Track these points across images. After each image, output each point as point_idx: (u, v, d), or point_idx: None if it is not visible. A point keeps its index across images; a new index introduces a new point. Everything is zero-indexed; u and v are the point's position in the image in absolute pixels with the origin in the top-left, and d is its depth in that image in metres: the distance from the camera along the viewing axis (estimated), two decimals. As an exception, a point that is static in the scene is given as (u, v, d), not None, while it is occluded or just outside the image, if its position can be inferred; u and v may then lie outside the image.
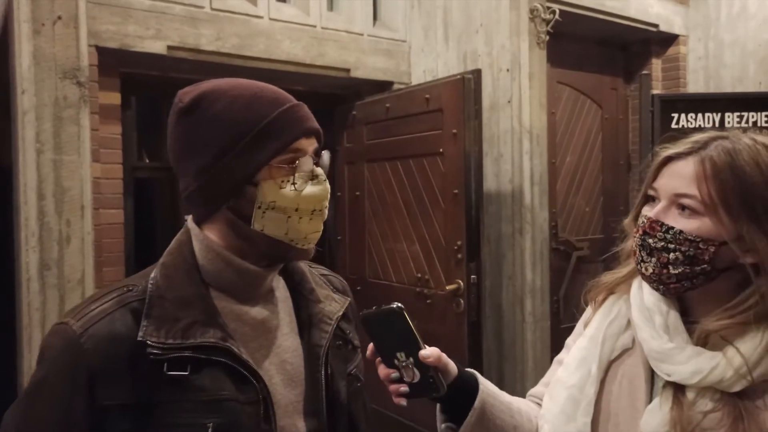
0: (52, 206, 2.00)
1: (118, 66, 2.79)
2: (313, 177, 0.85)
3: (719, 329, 0.77)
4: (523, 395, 1.06)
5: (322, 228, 0.89)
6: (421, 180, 3.02)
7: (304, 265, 1.00)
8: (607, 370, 0.88)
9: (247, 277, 0.87)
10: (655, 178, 0.84)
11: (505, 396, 0.97)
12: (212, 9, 2.88)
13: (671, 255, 0.79)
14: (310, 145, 0.86)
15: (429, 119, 2.94)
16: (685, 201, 0.79)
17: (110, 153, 2.70)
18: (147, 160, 3.46)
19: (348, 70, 3.30)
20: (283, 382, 0.88)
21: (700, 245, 0.77)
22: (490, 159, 3.02)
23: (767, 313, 0.75)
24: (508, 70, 2.93)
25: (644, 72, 2.90)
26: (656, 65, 4.24)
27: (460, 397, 0.90)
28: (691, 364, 0.77)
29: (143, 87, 3.20)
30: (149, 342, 0.78)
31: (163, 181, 3.48)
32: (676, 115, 2.74)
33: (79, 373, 0.77)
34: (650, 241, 0.81)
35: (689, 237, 0.78)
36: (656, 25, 3.93)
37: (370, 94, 3.44)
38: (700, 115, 2.76)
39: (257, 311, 0.88)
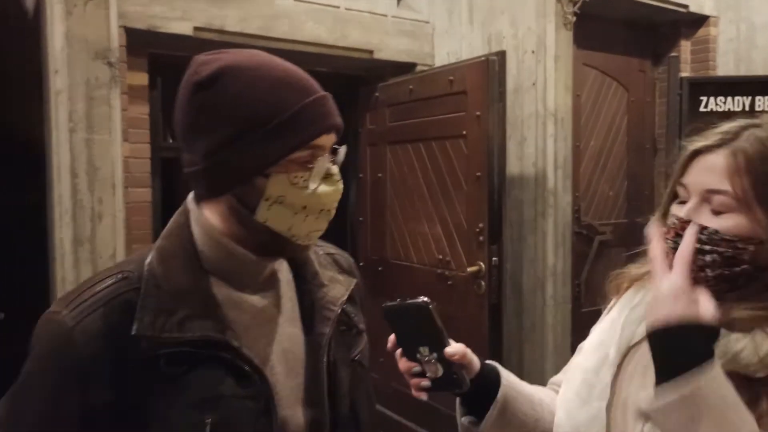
0: (85, 184, 2.06)
1: (145, 47, 2.83)
2: (327, 176, 0.80)
3: (750, 319, 0.74)
4: (542, 378, 1.05)
5: (326, 226, 0.84)
6: (443, 162, 3.02)
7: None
8: (625, 355, 0.86)
9: (247, 265, 0.83)
10: (683, 173, 0.79)
11: (526, 387, 0.96)
12: (238, -10, 2.89)
13: (707, 257, 0.73)
14: (329, 141, 0.81)
15: (452, 101, 2.94)
16: (719, 198, 0.73)
17: (138, 133, 2.76)
18: (172, 141, 3.52)
19: (371, 52, 3.30)
20: (284, 371, 0.84)
21: (738, 245, 0.72)
22: (514, 142, 3.01)
23: None
24: (533, 52, 2.90)
25: (673, 54, 2.84)
26: (685, 47, 4.14)
27: (482, 389, 0.89)
28: (720, 344, 0.72)
29: (171, 68, 3.23)
30: (144, 336, 0.73)
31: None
32: (704, 99, 2.68)
33: (70, 368, 0.72)
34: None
35: (726, 237, 0.72)
36: (686, 6, 3.84)
37: (393, 75, 3.44)
38: (729, 99, 2.70)
39: (257, 299, 0.84)
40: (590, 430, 0.86)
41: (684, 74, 3.93)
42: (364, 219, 3.61)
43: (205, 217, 0.81)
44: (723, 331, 0.75)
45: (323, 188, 0.80)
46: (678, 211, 0.78)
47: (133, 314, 0.74)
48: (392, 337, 0.87)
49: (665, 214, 0.82)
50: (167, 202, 3.32)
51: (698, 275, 0.74)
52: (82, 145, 2.04)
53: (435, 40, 3.49)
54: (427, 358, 0.84)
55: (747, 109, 2.68)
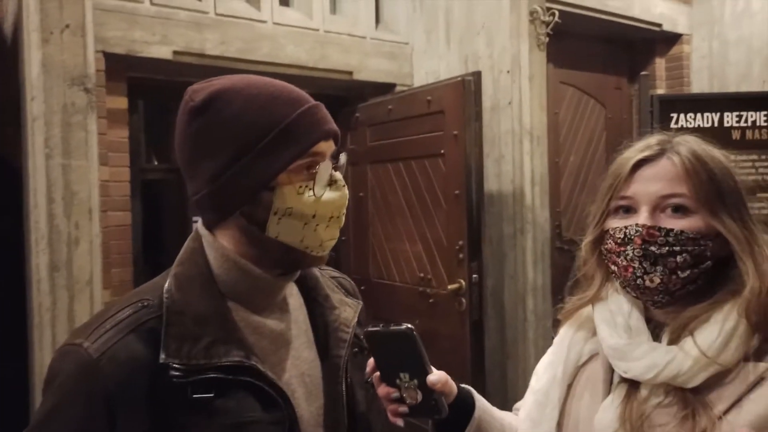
0: (61, 209, 2.06)
1: (125, 71, 2.84)
2: (332, 182, 0.81)
3: (686, 321, 0.77)
4: (524, 393, 1.08)
5: (338, 235, 0.85)
6: (423, 181, 3.06)
7: (316, 270, 0.95)
8: (575, 375, 0.88)
9: (263, 286, 0.83)
10: (624, 186, 0.81)
11: (496, 412, 0.97)
12: (216, 14, 2.93)
13: (678, 258, 0.76)
14: (329, 148, 0.82)
15: (430, 121, 2.98)
16: (676, 201, 0.77)
17: (118, 156, 2.76)
18: (156, 162, 3.53)
19: (351, 73, 3.34)
20: (304, 395, 0.85)
21: (701, 242, 0.76)
22: (492, 160, 3.05)
23: (745, 300, 0.74)
24: (508, 72, 2.96)
25: (643, 72, 2.91)
26: (660, 64, 4.24)
27: (456, 415, 0.89)
28: (647, 359, 0.76)
29: (150, 91, 3.26)
30: (172, 365, 0.73)
31: (172, 183, 3.54)
32: (675, 115, 2.75)
33: (96, 400, 0.71)
34: (653, 248, 0.76)
35: (691, 235, 0.76)
36: (659, 25, 3.94)
37: (374, 96, 3.48)
38: (699, 115, 2.77)
39: (274, 323, 0.84)
40: None
41: (660, 91, 4.03)
42: (347, 238, 3.63)
43: (219, 242, 0.82)
44: (653, 344, 0.78)
45: (329, 195, 0.81)
46: (623, 222, 0.80)
47: (158, 342, 0.74)
48: (371, 362, 0.86)
49: (601, 235, 0.84)
50: (151, 223, 3.32)
51: (670, 278, 0.77)
52: (59, 171, 2.05)
53: (413, 60, 3.55)
54: (407, 384, 0.83)
55: (716, 125, 2.75)
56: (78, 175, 2.08)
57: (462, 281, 2.82)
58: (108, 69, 2.66)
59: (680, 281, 0.77)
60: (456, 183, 2.85)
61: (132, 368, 0.72)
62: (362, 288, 3.42)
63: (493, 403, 1.00)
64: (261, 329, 0.83)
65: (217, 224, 0.83)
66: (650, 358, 0.76)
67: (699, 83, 4.04)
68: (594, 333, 0.87)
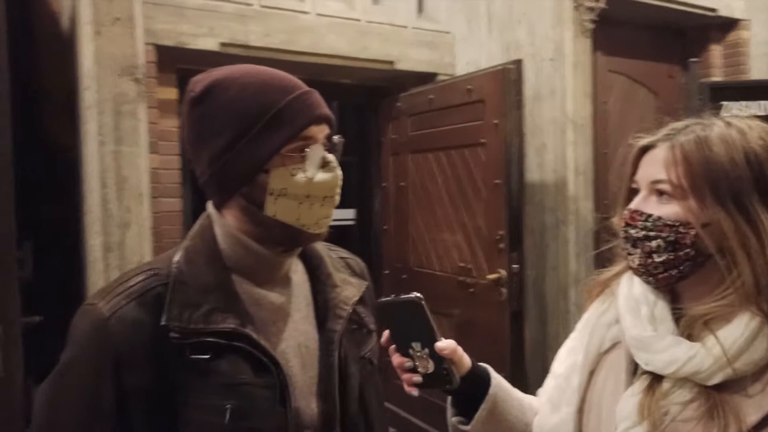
0: (114, 194, 2.17)
1: (174, 63, 2.95)
2: (324, 164, 0.86)
3: (703, 315, 0.76)
4: None
5: (333, 213, 0.89)
6: (463, 170, 3.05)
7: (323, 249, 1.01)
8: (598, 362, 0.87)
9: (265, 261, 0.89)
10: (635, 170, 0.84)
11: (516, 393, 0.98)
12: (261, 6, 3.00)
13: (653, 243, 0.78)
14: (321, 131, 0.86)
15: (471, 110, 2.97)
16: (660, 186, 0.79)
17: (168, 145, 2.87)
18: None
19: (392, 63, 3.36)
20: (299, 365, 0.90)
21: (680, 229, 0.77)
22: (533, 149, 3.01)
23: (748, 295, 0.73)
24: (551, 60, 2.91)
25: (693, 59, 2.80)
26: (715, 51, 4.06)
27: (472, 391, 0.91)
28: (669, 353, 0.75)
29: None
30: (172, 327, 0.80)
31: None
32: (726, 103, 2.64)
33: (105, 355, 0.79)
34: (632, 231, 0.80)
35: (668, 222, 0.77)
36: (714, 10, 3.78)
37: (415, 85, 3.49)
38: (753, 103, 2.65)
39: (275, 296, 0.90)
40: None
41: (716, 79, 3.87)
42: (388, 227, 3.66)
43: (225, 220, 0.88)
44: (677, 339, 0.77)
45: (322, 176, 0.85)
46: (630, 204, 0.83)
47: (163, 306, 0.81)
48: (386, 333, 0.89)
49: None
50: (198, 211, 3.44)
51: (647, 261, 0.79)
52: (111, 157, 2.16)
53: (455, 49, 3.53)
54: (419, 354, 0.86)
55: (771, 112, 2.63)
56: (128, 161, 2.19)
57: (502, 271, 2.81)
58: (158, 61, 2.77)
59: (660, 265, 0.78)
60: (496, 172, 2.83)
61: (137, 328, 0.80)
62: (403, 276, 3.47)
63: (533, 395, 1.01)
64: (261, 301, 0.89)
65: (222, 204, 0.89)
66: (672, 353, 0.75)
67: (758, 71, 3.85)
68: (617, 319, 0.87)
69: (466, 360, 0.91)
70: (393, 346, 0.89)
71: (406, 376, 0.88)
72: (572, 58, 2.84)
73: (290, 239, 0.88)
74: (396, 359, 0.88)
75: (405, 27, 3.42)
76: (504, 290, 2.79)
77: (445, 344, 0.86)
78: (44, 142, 2.57)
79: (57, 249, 2.33)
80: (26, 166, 2.39)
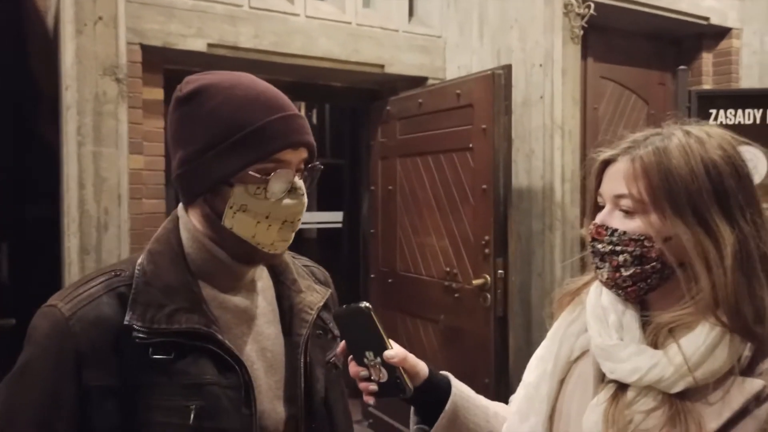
0: (92, 195, 2.14)
1: (161, 63, 2.93)
2: (292, 189, 0.85)
3: (667, 323, 0.75)
4: None
5: (290, 239, 0.89)
6: (451, 175, 3.04)
7: (287, 256, 1.01)
8: (567, 370, 0.87)
9: (227, 269, 0.89)
10: (599, 184, 0.83)
11: (481, 400, 0.97)
12: (251, 7, 2.98)
13: (620, 257, 0.78)
14: (296, 156, 0.86)
15: (460, 115, 2.95)
16: (623, 201, 0.78)
17: (153, 146, 2.85)
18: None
19: (383, 66, 3.34)
20: (263, 368, 0.90)
21: (645, 243, 0.76)
22: (522, 155, 3.00)
23: (707, 305, 0.72)
24: (541, 66, 2.90)
25: (681, 67, 2.80)
26: (707, 60, 4.07)
27: (434, 399, 0.91)
28: (632, 361, 0.75)
29: (186, 83, 3.33)
30: (135, 326, 0.79)
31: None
32: (714, 111, 2.64)
33: (66, 355, 0.78)
34: (599, 246, 0.80)
35: (633, 237, 0.77)
36: (707, 18, 3.79)
37: (406, 89, 3.48)
38: (740, 111, 2.65)
39: (239, 300, 0.90)
40: None
41: (707, 87, 3.87)
42: (375, 231, 3.64)
43: (191, 222, 0.88)
44: (641, 347, 0.77)
45: (287, 201, 0.85)
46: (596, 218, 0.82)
47: (125, 306, 0.81)
48: (342, 343, 0.89)
49: None
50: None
51: (615, 275, 0.79)
52: (90, 158, 2.13)
53: (447, 54, 3.52)
54: (372, 363, 0.86)
55: (758, 122, 2.62)
56: (108, 162, 2.16)
57: (487, 276, 2.79)
58: (145, 61, 2.75)
59: (628, 278, 0.78)
60: (484, 178, 2.81)
61: (99, 328, 0.80)
62: (389, 281, 3.46)
63: None
64: (225, 304, 0.89)
65: (187, 205, 0.89)
66: (635, 361, 0.75)
67: (748, 80, 3.86)
68: (586, 328, 0.86)
69: (421, 368, 0.91)
70: (350, 356, 0.89)
71: (362, 385, 0.87)
72: (561, 63, 2.84)
73: (244, 254, 0.88)
74: (352, 368, 0.88)
75: (396, 31, 3.41)
76: (489, 295, 2.77)
77: (393, 353, 0.85)
78: (38, 142, 2.55)
79: (34, 250, 2.31)
80: (18, 166, 2.37)
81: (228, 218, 0.85)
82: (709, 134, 0.78)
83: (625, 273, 0.78)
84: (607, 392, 0.78)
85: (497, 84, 2.75)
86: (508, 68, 2.78)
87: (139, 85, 2.71)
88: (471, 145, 2.89)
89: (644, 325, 0.80)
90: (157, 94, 2.90)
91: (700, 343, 0.72)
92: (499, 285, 2.76)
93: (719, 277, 0.72)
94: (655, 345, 0.77)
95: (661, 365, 0.73)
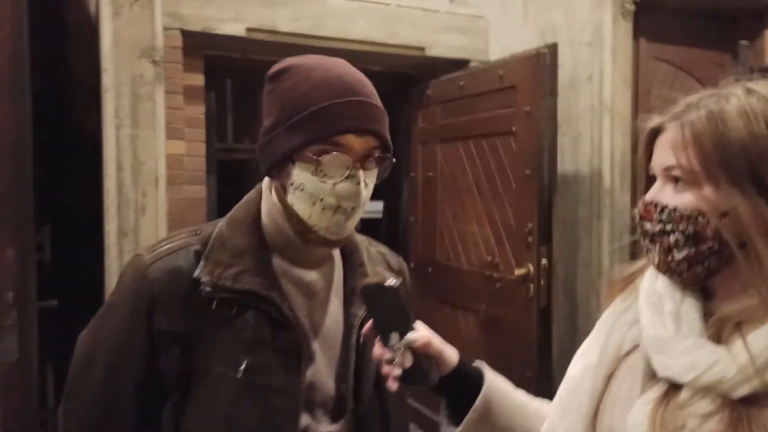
0: (130, 178, 2.15)
1: (202, 49, 2.93)
2: (349, 176, 0.85)
3: (735, 315, 0.66)
4: None
5: (348, 227, 0.89)
6: (493, 160, 2.94)
7: (362, 241, 1.04)
8: (617, 365, 0.78)
9: (292, 243, 0.92)
10: (650, 156, 0.74)
11: (520, 395, 0.91)
12: (288, -10, 2.94)
13: (671, 237, 0.69)
14: (360, 143, 0.86)
15: (502, 97, 2.84)
16: (674, 173, 0.69)
17: (194, 131, 2.86)
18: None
19: (422, 49, 3.25)
20: (319, 342, 0.92)
21: (699, 219, 0.67)
22: (568, 139, 2.87)
23: None
24: (589, 44, 2.76)
25: (743, 42, 2.61)
26: (769, 38, 3.82)
27: (466, 392, 0.86)
28: (688, 357, 0.66)
29: (228, 69, 3.33)
30: (203, 280, 0.86)
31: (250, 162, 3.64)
32: (779, 90, 2.44)
33: (141, 297, 0.86)
34: (648, 226, 0.72)
35: (684, 213, 0.68)
36: (769, -8, 3.54)
37: (446, 73, 3.38)
38: (809, 89, 2.44)
39: (305, 273, 0.93)
40: None
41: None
42: (416, 219, 3.57)
43: (270, 195, 0.92)
44: (701, 341, 0.67)
45: (341, 186, 0.85)
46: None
47: (199, 261, 0.88)
48: (370, 322, 0.86)
49: None
50: (222, 200, 3.44)
51: (667, 258, 0.70)
52: (128, 141, 2.14)
53: (489, 34, 3.40)
54: (397, 346, 0.81)
55: (830, 100, 2.41)
56: (145, 145, 2.17)
57: (530, 266, 2.69)
58: (185, 46, 2.75)
59: (683, 261, 0.69)
60: (527, 163, 2.70)
61: (172, 277, 0.86)
62: (429, 270, 3.38)
63: None
64: (290, 274, 0.92)
65: (265, 176, 0.94)
66: (692, 357, 0.66)
67: (818, 58, 3.59)
68: (639, 318, 0.77)
69: (450, 356, 0.86)
70: (378, 337, 0.85)
71: (385, 368, 0.83)
72: (611, 42, 2.69)
73: (302, 234, 0.90)
74: (376, 350, 0.84)
75: (437, 11, 3.31)
76: (531, 286, 2.67)
77: (417, 335, 0.82)
78: (74, 127, 2.59)
79: (78, 233, 2.34)
80: (56, 151, 2.42)
81: (290, 195, 0.88)
82: None
83: (678, 255, 0.69)
84: (657, 390, 0.69)
85: (542, 64, 2.63)
86: (553, 47, 2.65)
87: (180, 71, 2.71)
88: (514, 129, 2.78)
89: (706, 316, 0.71)
90: (198, 80, 2.91)
91: None
92: (542, 275, 2.66)
93: None
94: (717, 340, 0.67)
95: (723, 363, 0.63)
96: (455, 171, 3.21)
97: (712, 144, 0.66)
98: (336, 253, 0.99)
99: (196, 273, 0.86)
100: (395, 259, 1.10)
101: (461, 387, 0.87)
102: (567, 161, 2.87)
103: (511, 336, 2.76)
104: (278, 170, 0.88)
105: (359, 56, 3.25)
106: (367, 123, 0.86)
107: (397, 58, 3.31)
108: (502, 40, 3.30)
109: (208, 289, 0.85)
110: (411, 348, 0.81)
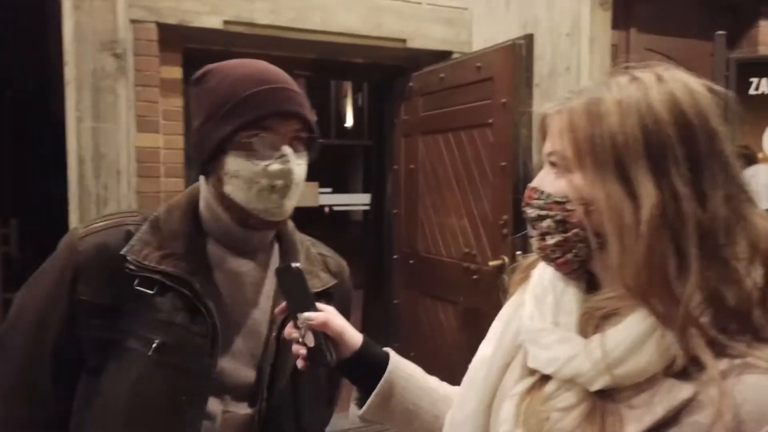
0: (91, 171, 2.16)
1: (180, 42, 2.93)
2: (280, 156, 0.90)
3: (598, 308, 0.65)
4: None
5: (285, 206, 0.93)
6: (471, 152, 2.92)
7: (303, 241, 1.08)
8: (514, 354, 0.77)
9: (230, 231, 0.96)
10: (543, 142, 0.73)
11: (429, 381, 0.92)
12: (267, -18, 2.93)
13: (544, 223, 0.68)
14: (284, 126, 0.90)
15: (480, 89, 2.82)
16: (552, 159, 0.68)
17: (171, 124, 2.86)
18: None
19: (404, 41, 3.23)
20: (242, 331, 0.96)
21: (567, 206, 0.66)
22: (547, 131, 2.84)
23: (633, 286, 0.60)
24: (567, 35, 2.72)
25: (719, 32, 2.55)
26: (765, 28, 3.73)
27: (375, 375, 0.87)
28: (552, 350, 0.65)
29: (206, 62, 3.33)
30: (128, 257, 0.90)
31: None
32: (755, 80, 2.40)
33: (68, 268, 0.91)
34: (529, 212, 0.71)
35: (557, 198, 0.67)
36: (763, -19, 3.47)
37: (430, 65, 3.35)
38: (785, 79, 2.40)
39: (241, 263, 0.97)
40: (462, 430, 0.79)
41: (742, 54, 3.55)
42: (398, 212, 3.56)
43: (207, 188, 0.96)
44: (568, 335, 0.66)
45: (274, 166, 0.90)
46: None
47: (129, 240, 0.92)
48: (283, 303, 0.89)
49: None
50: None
51: (543, 244, 0.69)
52: (89, 133, 2.15)
53: (473, 26, 3.37)
54: (303, 325, 0.84)
55: (807, 90, 2.36)
56: (106, 137, 2.17)
57: (505, 258, 2.67)
58: (162, 39, 2.75)
59: (556, 248, 0.67)
60: (503, 155, 2.68)
61: (100, 251, 0.91)
62: (411, 262, 3.37)
63: None
64: (223, 264, 0.96)
65: (200, 174, 0.97)
66: (555, 350, 0.65)
67: (810, 47, 3.51)
68: None
69: (351, 338, 0.88)
70: (289, 316, 0.88)
71: (294, 347, 0.86)
72: (589, 32, 2.65)
73: (242, 220, 0.94)
74: (287, 329, 0.88)
75: (420, 3, 3.28)
76: (507, 277, 2.65)
77: (313, 315, 0.84)
78: (51, 119, 2.60)
79: (47, 227, 2.36)
80: (32, 143, 2.43)
81: (226, 184, 0.91)
82: (661, 78, 0.64)
83: (550, 241, 0.67)
84: (526, 383, 0.69)
85: (518, 55, 2.60)
86: (529, 38, 2.62)
87: (156, 64, 2.72)
88: (490, 121, 2.76)
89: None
90: (176, 72, 2.91)
91: (624, 336, 0.60)
92: (517, 267, 2.64)
93: (629, 245, 0.59)
94: (585, 333, 0.65)
95: (580, 358, 0.62)
96: (436, 163, 3.19)
97: (584, 131, 0.64)
98: (274, 251, 1.03)
99: (124, 250, 0.90)
100: (335, 262, 1.12)
101: (367, 370, 0.88)
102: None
103: (488, 326, 2.74)
104: (212, 163, 0.92)
105: (341, 49, 3.23)
106: (290, 105, 0.91)
107: (380, 50, 3.29)
108: (486, 32, 3.27)
109: (132, 267, 0.89)
110: (311, 327, 0.84)
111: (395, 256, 3.60)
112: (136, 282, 0.89)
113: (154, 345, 0.88)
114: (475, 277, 2.87)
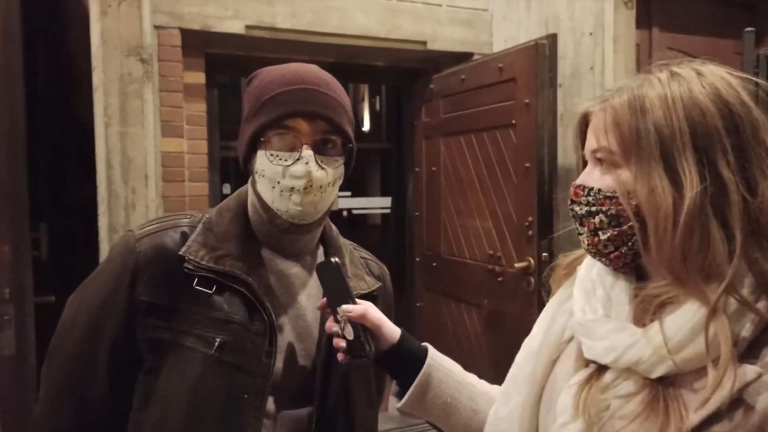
0: (119, 175, 2.18)
1: (202, 47, 2.95)
2: (300, 158, 0.89)
3: (655, 296, 0.66)
4: None
5: (306, 209, 0.91)
6: (494, 153, 2.90)
7: (347, 245, 1.09)
8: (560, 351, 0.79)
9: (270, 232, 0.97)
10: (583, 141, 0.75)
11: (467, 377, 0.94)
12: (287, -14, 2.94)
13: (596, 219, 0.70)
14: (309, 127, 0.90)
15: (502, 90, 2.80)
16: (598, 155, 0.70)
17: (195, 129, 2.88)
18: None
19: (424, 43, 3.23)
20: (295, 332, 0.96)
21: (620, 200, 0.67)
22: (571, 130, 2.81)
23: (680, 276, 0.63)
24: (591, 34, 2.70)
25: (748, 29, 2.51)
26: (790, 23, 3.68)
27: (414, 369, 0.88)
28: (609, 340, 0.66)
29: (232, 67, 3.35)
30: (186, 257, 0.90)
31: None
32: (785, 76, 2.35)
33: (126, 268, 0.91)
34: (577, 209, 0.73)
35: (607, 194, 0.69)
36: (788, -24, 3.41)
37: (450, 67, 3.34)
38: (817, 75, 2.35)
39: (287, 265, 0.98)
40: (503, 427, 0.80)
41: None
42: (420, 214, 3.55)
43: (254, 188, 0.96)
44: (622, 324, 0.67)
45: (294, 168, 0.89)
46: None
47: (185, 241, 0.93)
48: (324, 298, 0.91)
49: None
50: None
51: (594, 240, 0.70)
52: (116, 138, 2.17)
53: (493, 27, 3.35)
54: (342, 318, 0.86)
55: (840, 85, 2.30)
56: (134, 142, 2.19)
57: (530, 259, 2.65)
58: (185, 45, 2.77)
59: (609, 243, 0.69)
60: (527, 155, 2.66)
61: (158, 252, 0.91)
62: (433, 264, 3.36)
63: None
64: (272, 265, 0.97)
65: (243, 169, 0.98)
66: (612, 339, 0.66)
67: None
68: None
69: (388, 331, 0.89)
70: (329, 311, 0.89)
71: (335, 341, 0.87)
72: (612, 30, 2.62)
73: (271, 219, 0.94)
74: (327, 323, 0.89)
75: (439, 5, 3.28)
76: (532, 279, 2.63)
77: (351, 307, 0.86)
78: (79, 123, 2.63)
79: (76, 230, 2.39)
80: (59, 147, 2.46)
81: (257, 183, 0.93)
82: (700, 72, 0.67)
83: (603, 236, 0.69)
84: (583, 374, 0.69)
85: (540, 55, 2.58)
86: (552, 37, 2.60)
87: (179, 69, 2.74)
88: (514, 122, 2.74)
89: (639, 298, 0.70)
90: (199, 78, 2.93)
91: (684, 322, 0.62)
92: (543, 268, 2.61)
93: (676, 235, 0.62)
94: (642, 322, 0.67)
95: (639, 345, 0.63)
96: (458, 165, 3.18)
97: (629, 127, 0.67)
98: (319, 254, 1.03)
99: (182, 251, 0.91)
100: (377, 266, 1.12)
101: (406, 364, 0.89)
102: (569, 153, 2.81)
103: (513, 330, 2.72)
104: (249, 161, 0.94)
105: (360, 51, 3.24)
106: (313, 106, 0.90)
107: (399, 52, 3.29)
108: (506, 33, 3.25)
109: (190, 266, 0.90)
110: (350, 321, 0.85)
111: (417, 259, 3.58)
112: (195, 282, 0.90)
113: (216, 343, 0.88)
114: (499, 279, 2.84)
